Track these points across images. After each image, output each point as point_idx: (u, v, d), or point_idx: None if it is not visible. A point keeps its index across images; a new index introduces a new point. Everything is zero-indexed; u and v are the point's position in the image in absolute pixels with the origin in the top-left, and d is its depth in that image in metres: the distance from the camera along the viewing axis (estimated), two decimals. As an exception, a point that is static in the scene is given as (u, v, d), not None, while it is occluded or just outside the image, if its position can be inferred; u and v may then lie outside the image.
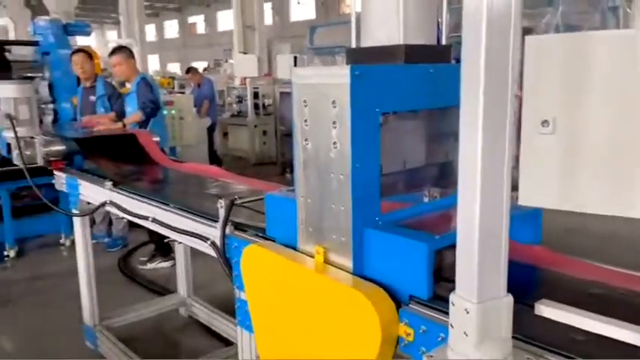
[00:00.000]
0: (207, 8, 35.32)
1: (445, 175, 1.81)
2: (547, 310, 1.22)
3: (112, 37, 36.02)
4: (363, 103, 1.41)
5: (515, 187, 1.13)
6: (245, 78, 11.55)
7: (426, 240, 1.35)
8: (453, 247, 1.12)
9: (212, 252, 2.06)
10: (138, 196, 2.69)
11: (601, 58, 1.06)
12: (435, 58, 1.63)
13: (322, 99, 1.46)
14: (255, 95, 10.94)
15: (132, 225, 5.28)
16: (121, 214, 2.83)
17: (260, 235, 1.91)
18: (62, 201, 4.30)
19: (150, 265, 5.20)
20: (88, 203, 3.23)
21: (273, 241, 1.78)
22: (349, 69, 1.37)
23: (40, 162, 3.47)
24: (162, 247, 5.13)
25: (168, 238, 2.52)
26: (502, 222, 1.07)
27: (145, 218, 2.54)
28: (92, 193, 3.10)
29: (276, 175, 9.19)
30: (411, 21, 1.57)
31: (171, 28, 40.28)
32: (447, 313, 1.16)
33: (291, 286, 1.56)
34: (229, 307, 3.27)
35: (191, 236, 2.22)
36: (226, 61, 20.50)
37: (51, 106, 6.15)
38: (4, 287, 4.80)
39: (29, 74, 6.14)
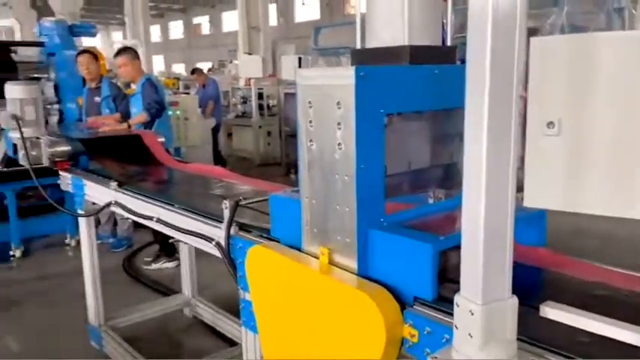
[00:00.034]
0: (212, 9, 35.39)
1: (450, 176, 1.80)
2: (552, 312, 1.21)
3: (118, 38, 36.25)
4: (368, 104, 1.41)
5: (520, 189, 1.13)
6: (250, 79, 11.60)
7: (431, 241, 1.35)
8: (457, 248, 1.12)
9: (217, 252, 2.06)
10: (143, 197, 2.70)
11: (606, 59, 1.05)
12: (440, 59, 1.62)
13: (327, 100, 1.46)
14: (260, 96, 10.93)
15: (137, 225, 5.29)
16: (126, 215, 2.84)
17: (265, 235, 1.91)
18: (67, 201, 4.31)
19: (154, 266, 5.21)
20: (94, 204, 3.25)
21: (278, 241, 1.78)
22: (354, 70, 1.37)
23: (45, 162, 3.49)
24: (167, 248, 5.13)
25: (172, 238, 2.53)
26: (507, 223, 1.06)
27: (150, 219, 2.55)
28: (97, 193, 3.11)
29: (280, 176, 9.19)
30: (415, 22, 1.57)
31: (176, 28, 40.37)
32: (451, 315, 1.15)
33: (296, 287, 1.56)
34: (234, 308, 3.28)
35: (196, 237, 2.22)
36: (231, 62, 20.60)
37: (56, 106, 6.16)
38: (9, 287, 4.82)
39: (35, 75, 6.16)
